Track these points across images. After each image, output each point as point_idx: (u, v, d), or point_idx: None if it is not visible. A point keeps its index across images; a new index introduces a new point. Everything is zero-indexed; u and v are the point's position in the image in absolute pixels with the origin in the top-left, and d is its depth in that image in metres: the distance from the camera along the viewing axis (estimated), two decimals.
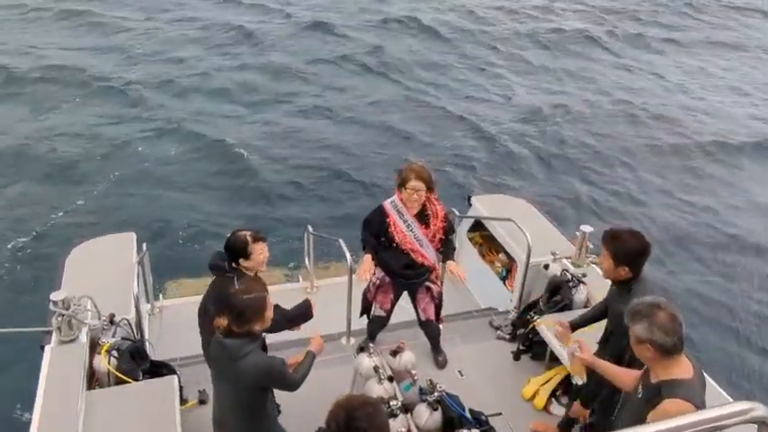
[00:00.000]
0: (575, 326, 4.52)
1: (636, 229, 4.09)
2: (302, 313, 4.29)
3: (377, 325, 5.42)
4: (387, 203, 4.98)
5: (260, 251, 4.09)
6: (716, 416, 1.26)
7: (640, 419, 2.97)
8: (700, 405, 2.87)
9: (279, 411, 4.06)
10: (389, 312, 5.30)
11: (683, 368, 2.96)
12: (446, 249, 5.09)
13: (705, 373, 4.45)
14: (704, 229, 11.01)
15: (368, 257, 4.99)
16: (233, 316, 3.39)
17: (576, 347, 3.82)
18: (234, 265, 4.10)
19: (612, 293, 4.19)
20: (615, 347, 3.98)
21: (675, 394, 2.88)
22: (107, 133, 12.94)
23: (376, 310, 5.32)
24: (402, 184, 4.86)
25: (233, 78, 15.83)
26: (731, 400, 3.98)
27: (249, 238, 4.07)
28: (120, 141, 12.59)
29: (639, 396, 3.13)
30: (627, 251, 3.90)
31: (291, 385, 3.61)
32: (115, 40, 18.01)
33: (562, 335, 4.47)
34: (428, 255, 4.97)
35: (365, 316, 5.49)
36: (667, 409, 2.86)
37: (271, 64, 16.83)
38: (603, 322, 4.38)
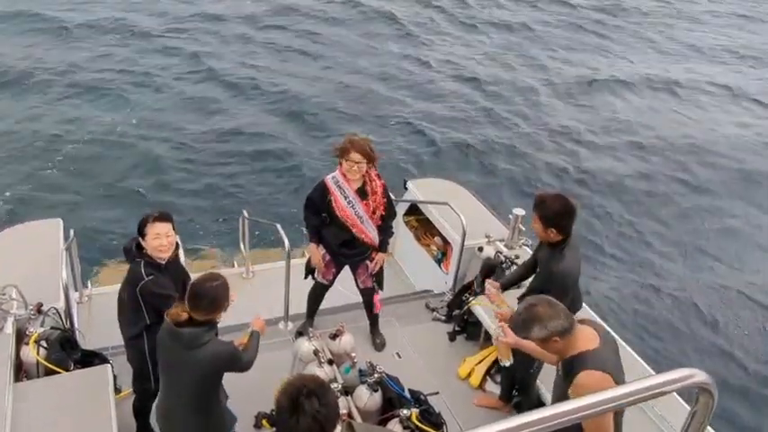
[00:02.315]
0: (504, 286, 4.70)
1: (562, 193, 4.28)
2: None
3: (319, 290, 5.44)
4: (328, 179, 4.97)
5: (155, 233, 3.91)
6: (657, 383, 1.34)
7: (563, 394, 3.14)
8: (611, 371, 3.03)
9: (226, 396, 4.05)
10: (331, 282, 5.35)
11: (588, 340, 3.11)
12: (383, 238, 5.14)
13: (633, 350, 4.76)
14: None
15: (314, 248, 5.05)
16: (203, 304, 3.37)
17: (500, 332, 3.95)
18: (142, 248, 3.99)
19: (546, 255, 4.32)
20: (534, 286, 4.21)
21: (586, 365, 3.02)
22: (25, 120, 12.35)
23: (318, 278, 5.34)
24: (341, 155, 4.83)
25: (156, 64, 15.31)
26: (653, 372, 4.23)
27: (147, 217, 3.97)
28: (42, 129, 12.05)
29: (559, 374, 3.29)
30: (552, 213, 4.08)
31: (245, 367, 3.65)
32: None
33: (494, 296, 4.59)
34: (368, 231, 5.00)
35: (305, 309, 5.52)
36: (581, 381, 3.01)
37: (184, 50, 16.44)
38: None
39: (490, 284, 4.59)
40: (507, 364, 4.83)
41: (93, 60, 15.11)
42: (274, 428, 4.19)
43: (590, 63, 17.73)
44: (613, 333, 4.68)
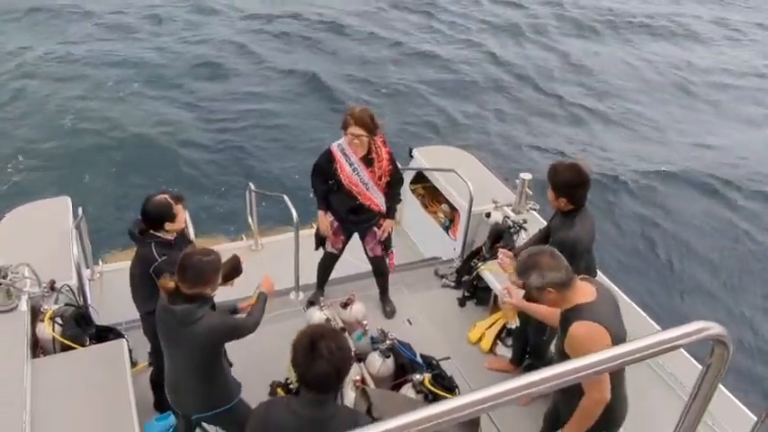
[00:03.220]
0: (518, 254, 4.69)
1: (576, 162, 4.26)
2: (233, 267, 4.24)
3: (328, 260, 5.47)
4: (334, 146, 4.96)
5: (181, 211, 4.07)
6: (672, 336, 1.34)
7: (561, 350, 3.22)
8: (607, 324, 3.07)
9: (230, 364, 4.09)
10: (341, 251, 5.37)
11: (584, 294, 3.17)
12: (390, 204, 5.14)
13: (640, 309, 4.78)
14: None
15: (321, 215, 5.06)
16: (189, 276, 3.33)
17: (506, 293, 4.01)
18: (152, 231, 4.02)
19: (556, 222, 4.35)
20: None
21: (581, 317, 3.08)
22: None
23: (327, 247, 5.36)
24: (343, 128, 4.86)
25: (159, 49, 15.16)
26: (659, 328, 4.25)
27: (171, 200, 4.01)
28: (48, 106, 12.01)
29: (559, 334, 3.35)
30: (564, 183, 4.09)
31: (249, 330, 3.61)
32: None
33: (507, 265, 4.60)
34: (375, 198, 5.01)
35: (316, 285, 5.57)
36: (572, 332, 3.08)
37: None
38: None
39: (504, 254, 4.60)
40: (513, 325, 4.88)
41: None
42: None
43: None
44: (620, 292, 4.76)
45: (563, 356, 3.24)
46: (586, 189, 4.13)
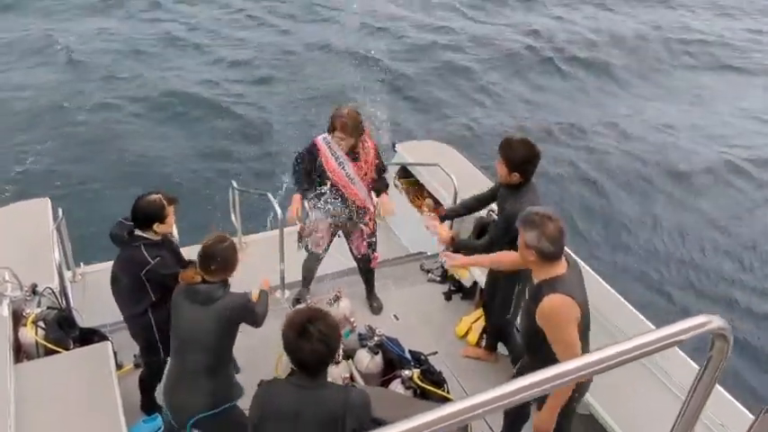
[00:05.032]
0: (450, 214, 5.02)
1: (527, 138, 4.36)
2: None
3: (313, 260, 5.43)
4: (319, 139, 4.93)
5: (172, 213, 4.00)
6: (673, 332, 1.34)
7: (530, 318, 3.32)
8: (576, 295, 3.21)
9: (238, 370, 4.12)
10: (325, 250, 5.34)
11: (559, 267, 3.28)
12: (379, 185, 5.11)
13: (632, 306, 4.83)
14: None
15: (297, 197, 4.96)
16: (215, 265, 3.52)
17: (444, 260, 4.27)
18: (139, 231, 3.94)
19: (503, 195, 4.45)
20: (491, 235, 4.48)
21: (555, 290, 3.20)
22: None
23: (312, 247, 5.32)
24: (329, 131, 4.84)
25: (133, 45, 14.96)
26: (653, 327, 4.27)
27: (164, 201, 3.94)
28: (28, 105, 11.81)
29: (527, 297, 3.47)
30: (518, 158, 4.18)
31: (258, 319, 3.82)
32: None
33: (432, 225, 4.73)
34: (360, 193, 4.98)
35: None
36: (545, 305, 3.20)
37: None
38: None
39: (429, 216, 4.79)
40: (468, 283, 5.31)
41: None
42: None
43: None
44: (605, 283, 4.83)
45: (531, 323, 3.33)
46: (536, 164, 4.25)
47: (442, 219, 4.95)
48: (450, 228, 6.05)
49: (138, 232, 3.94)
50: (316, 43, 15.11)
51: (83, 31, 15.07)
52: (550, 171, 10.59)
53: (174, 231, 4.41)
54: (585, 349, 3.35)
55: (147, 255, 3.88)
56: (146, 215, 3.90)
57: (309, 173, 4.95)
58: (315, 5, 17.30)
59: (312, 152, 4.91)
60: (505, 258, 3.89)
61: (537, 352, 3.39)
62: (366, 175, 4.95)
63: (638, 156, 11.83)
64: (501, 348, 5.19)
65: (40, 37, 14.56)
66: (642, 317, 4.64)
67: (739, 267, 9.44)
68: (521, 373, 3.73)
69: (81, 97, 12.30)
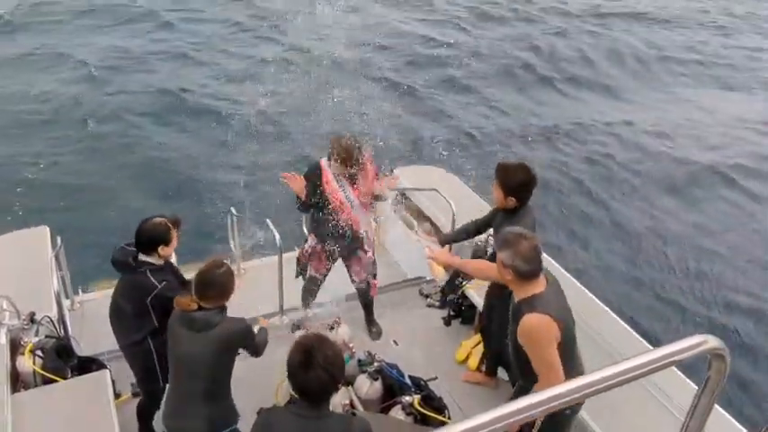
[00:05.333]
0: (448, 240, 5.01)
1: (524, 162, 4.39)
2: None
3: (312, 285, 5.42)
4: (323, 161, 4.95)
5: (176, 237, 4.02)
6: (670, 352, 1.35)
7: (514, 338, 3.38)
8: (554, 313, 3.24)
9: None
10: (325, 276, 5.33)
11: (537, 286, 3.32)
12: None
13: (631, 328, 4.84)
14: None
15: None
16: (213, 292, 3.49)
17: (426, 250, 4.21)
18: (143, 256, 3.93)
19: (499, 220, 4.47)
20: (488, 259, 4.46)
21: (533, 309, 3.25)
22: None
23: (311, 272, 5.31)
24: (329, 157, 4.87)
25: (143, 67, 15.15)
26: (650, 347, 4.27)
27: (169, 224, 3.96)
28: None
29: (510, 319, 3.50)
30: (515, 183, 4.21)
31: (258, 348, 3.78)
32: None
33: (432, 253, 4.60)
34: (357, 217, 4.98)
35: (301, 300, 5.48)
36: (524, 324, 3.25)
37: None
38: None
39: (428, 241, 4.89)
40: (442, 282, 5.31)
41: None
42: None
43: None
44: (599, 301, 4.86)
45: (516, 344, 3.40)
46: (533, 189, 4.29)
47: (441, 244, 4.96)
48: (450, 250, 6.08)
49: (142, 257, 3.93)
50: (316, 58, 15.27)
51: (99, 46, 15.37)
52: (548, 177, 10.74)
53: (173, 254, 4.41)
54: (572, 365, 3.38)
55: (153, 279, 3.87)
56: (151, 238, 3.90)
57: (313, 192, 4.94)
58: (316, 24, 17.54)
59: (317, 172, 4.93)
60: (488, 269, 3.84)
61: (530, 373, 3.39)
62: (365, 197, 4.96)
63: (633, 165, 12.06)
64: (502, 373, 5.17)
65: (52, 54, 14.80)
66: (636, 334, 4.65)
67: (731, 281, 9.48)
68: (517, 395, 3.74)
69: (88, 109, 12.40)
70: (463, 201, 6.12)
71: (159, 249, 3.92)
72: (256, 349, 3.77)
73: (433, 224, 6.55)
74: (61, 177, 10.75)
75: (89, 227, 9.26)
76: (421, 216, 6.71)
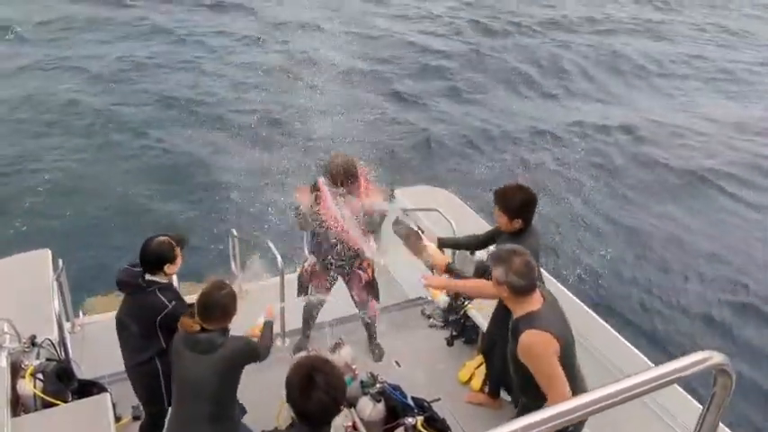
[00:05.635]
0: (446, 244, 4.97)
1: (521, 183, 4.40)
2: None
3: (313, 304, 5.39)
4: (321, 179, 4.95)
5: (180, 255, 4.03)
6: (674, 368, 1.34)
7: (514, 356, 3.37)
8: (553, 329, 3.24)
9: (244, 411, 4.06)
10: (327, 293, 5.31)
11: (534, 302, 3.33)
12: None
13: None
14: None
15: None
16: (215, 315, 3.49)
17: (421, 279, 4.24)
18: (149, 275, 3.93)
19: (502, 240, 4.43)
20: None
21: (531, 326, 3.25)
22: None
23: (313, 291, 5.30)
24: (324, 175, 4.86)
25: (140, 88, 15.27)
26: (652, 364, 4.24)
27: (173, 242, 3.97)
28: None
29: (510, 337, 3.49)
30: (516, 204, 4.20)
31: (263, 354, 3.80)
32: None
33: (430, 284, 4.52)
34: (353, 234, 4.94)
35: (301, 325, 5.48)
36: (522, 342, 3.25)
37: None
38: None
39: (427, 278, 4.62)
40: (442, 304, 5.27)
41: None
42: None
43: None
44: (599, 318, 4.88)
45: (516, 362, 3.39)
46: (535, 207, 4.29)
47: (439, 247, 4.90)
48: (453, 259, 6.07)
49: (149, 277, 3.93)
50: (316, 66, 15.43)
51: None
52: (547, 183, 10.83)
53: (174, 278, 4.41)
54: (574, 383, 3.35)
55: (163, 299, 3.88)
56: (158, 257, 3.90)
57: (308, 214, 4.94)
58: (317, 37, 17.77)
59: (314, 190, 4.93)
60: (484, 287, 3.80)
61: (532, 390, 3.37)
62: (362, 215, 4.95)
63: (630, 172, 12.18)
64: (505, 394, 5.13)
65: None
66: (637, 351, 4.63)
67: (730, 285, 9.49)
68: (520, 414, 3.70)
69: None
70: (464, 221, 6.11)
71: (165, 268, 3.93)
72: (260, 358, 3.78)
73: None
74: (67, 184, 10.92)
75: (92, 242, 9.31)
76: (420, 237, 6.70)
